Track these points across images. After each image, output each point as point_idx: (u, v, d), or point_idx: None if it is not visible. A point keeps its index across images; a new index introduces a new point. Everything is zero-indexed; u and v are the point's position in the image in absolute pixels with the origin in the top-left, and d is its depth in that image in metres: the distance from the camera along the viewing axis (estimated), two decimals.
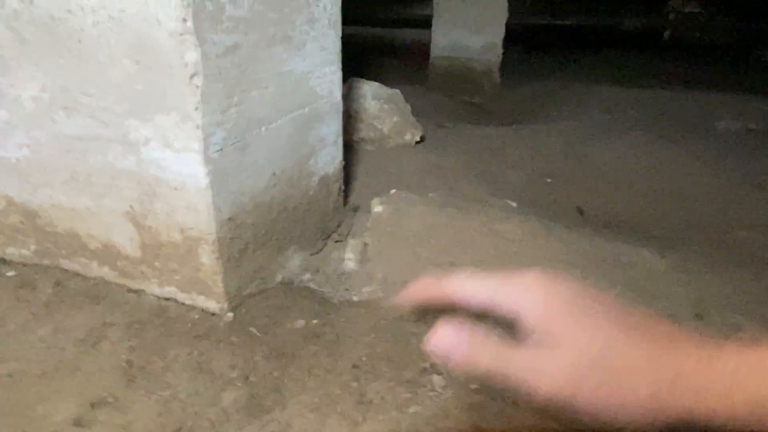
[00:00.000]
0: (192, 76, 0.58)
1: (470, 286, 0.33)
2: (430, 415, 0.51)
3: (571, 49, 3.26)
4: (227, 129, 0.64)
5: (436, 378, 0.56)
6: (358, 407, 0.53)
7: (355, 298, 0.79)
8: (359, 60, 2.83)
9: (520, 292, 0.32)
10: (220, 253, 0.67)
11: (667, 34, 4.03)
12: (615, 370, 0.30)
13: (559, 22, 4.38)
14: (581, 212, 1.23)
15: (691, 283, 0.77)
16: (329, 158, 0.91)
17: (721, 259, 0.91)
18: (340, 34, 0.87)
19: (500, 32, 2.29)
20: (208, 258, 0.67)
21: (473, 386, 0.55)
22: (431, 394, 0.54)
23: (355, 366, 0.60)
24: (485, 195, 1.19)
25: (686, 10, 4.05)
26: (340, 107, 0.92)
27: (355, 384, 0.56)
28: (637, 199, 1.20)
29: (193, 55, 0.58)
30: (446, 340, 0.32)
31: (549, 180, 1.34)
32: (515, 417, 0.51)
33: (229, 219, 0.67)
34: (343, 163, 0.97)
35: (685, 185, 1.19)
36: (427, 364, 0.59)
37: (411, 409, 0.52)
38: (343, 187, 0.99)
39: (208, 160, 0.62)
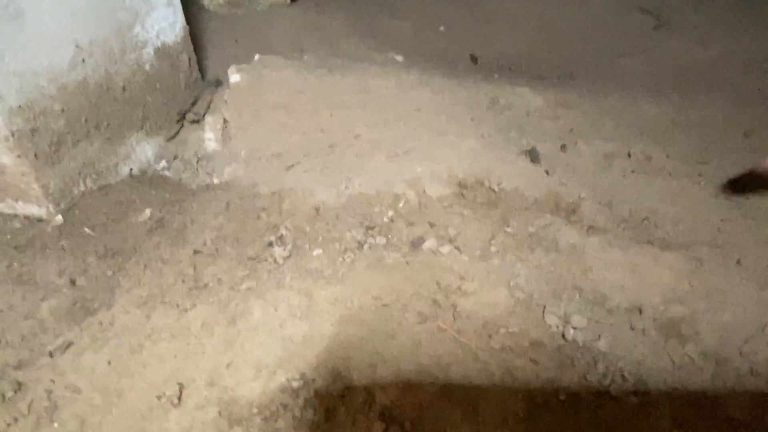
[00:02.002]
0: None
1: None
2: (263, 289, 0.47)
3: None
4: None
5: (278, 250, 0.52)
6: (189, 293, 0.49)
7: (215, 181, 0.72)
8: None
9: None
10: (20, 149, 0.56)
11: None
12: None
13: None
14: (475, 59, 1.16)
15: (563, 117, 0.73)
16: (165, 24, 0.77)
17: (603, 89, 0.88)
18: None
19: None
20: (7, 157, 0.56)
21: (315, 252, 0.51)
22: (270, 267, 0.50)
23: (197, 252, 0.55)
24: (370, 51, 1.09)
25: None
26: None
27: (190, 270, 0.52)
28: (529, 40, 1.13)
29: None
30: None
31: (442, 29, 1.24)
32: (349, 280, 0.48)
33: (20, 107, 0.56)
34: (188, 28, 0.83)
35: (575, 17, 1.12)
36: (273, 237, 0.54)
37: (244, 286, 0.48)
38: (195, 58, 0.86)
39: None
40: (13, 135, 0.55)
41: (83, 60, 0.63)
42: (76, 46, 0.62)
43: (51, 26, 0.58)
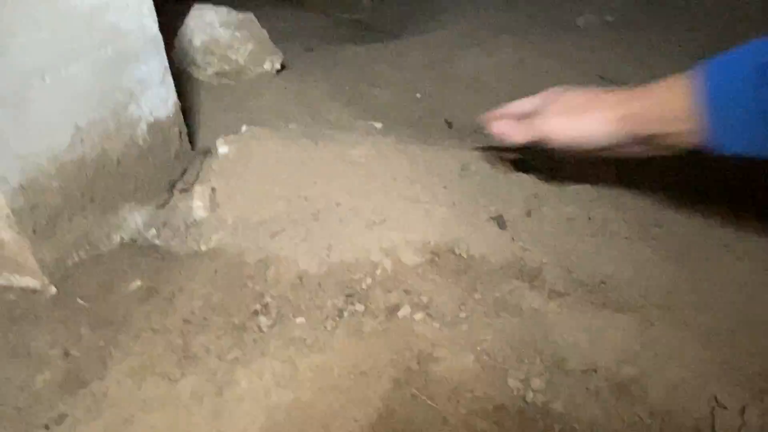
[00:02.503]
0: None
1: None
2: (249, 359, 0.50)
3: None
4: None
5: (263, 319, 0.56)
6: (179, 363, 0.52)
7: (203, 248, 0.76)
8: None
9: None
10: (19, 226, 0.60)
11: None
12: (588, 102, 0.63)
13: None
14: (449, 124, 1.24)
15: (528, 181, 0.80)
16: (157, 101, 0.83)
17: None
18: None
19: None
20: (7, 234, 0.60)
21: (298, 320, 0.55)
22: (255, 335, 0.54)
23: (186, 321, 0.58)
24: (351, 119, 1.16)
25: None
26: (160, 42, 0.82)
27: (180, 340, 0.55)
28: (500, 104, 1.22)
29: None
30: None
31: (418, 95, 1.32)
32: (330, 348, 0.51)
33: (22, 187, 0.60)
34: (179, 104, 0.89)
35: (543, 84, 1.22)
36: (257, 306, 0.58)
37: (231, 355, 0.51)
38: (185, 131, 0.91)
39: None
40: (14, 212, 0.59)
41: (81, 140, 0.68)
42: (76, 128, 0.67)
43: (53, 111, 0.64)
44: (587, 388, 0.45)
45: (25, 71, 0.59)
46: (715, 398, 0.45)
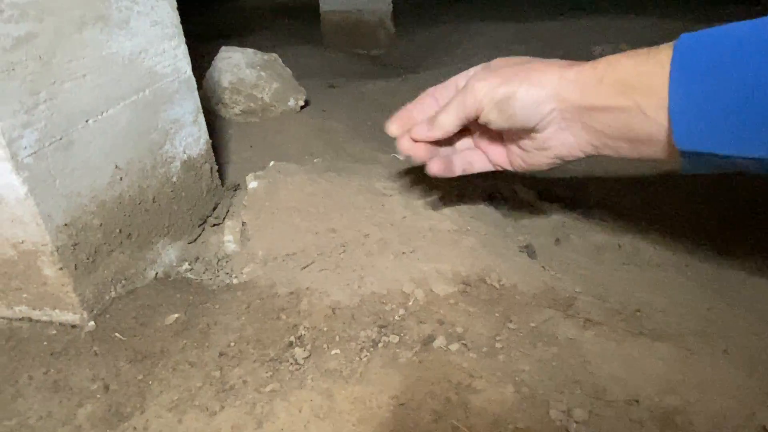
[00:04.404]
0: None
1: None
2: (286, 390, 0.51)
3: None
4: (39, 129, 0.58)
5: (298, 351, 0.56)
6: (217, 396, 0.52)
7: (235, 281, 0.77)
8: (246, 25, 2.70)
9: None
10: (63, 263, 0.62)
11: None
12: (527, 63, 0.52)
13: None
14: None
15: (554, 211, 0.80)
16: (190, 140, 0.86)
17: (586, 180, 0.96)
18: (175, 3, 0.81)
19: None
20: (50, 270, 0.62)
21: (333, 351, 0.55)
22: (291, 368, 0.54)
23: (221, 354, 0.59)
24: (373, 152, 1.18)
25: None
26: (193, 84, 0.86)
27: (217, 373, 0.55)
28: None
29: None
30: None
31: None
32: (366, 379, 0.51)
33: (66, 225, 0.62)
34: (210, 142, 0.92)
35: None
36: (292, 338, 0.59)
37: (268, 388, 0.51)
38: (216, 167, 0.94)
39: (20, 167, 0.56)
40: (57, 250, 0.61)
41: (120, 178, 0.71)
42: (116, 167, 0.70)
43: (95, 152, 0.67)
44: (630, 419, 0.44)
45: (71, 115, 0.63)
46: (764, 428, 0.44)
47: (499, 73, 0.51)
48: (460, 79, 0.60)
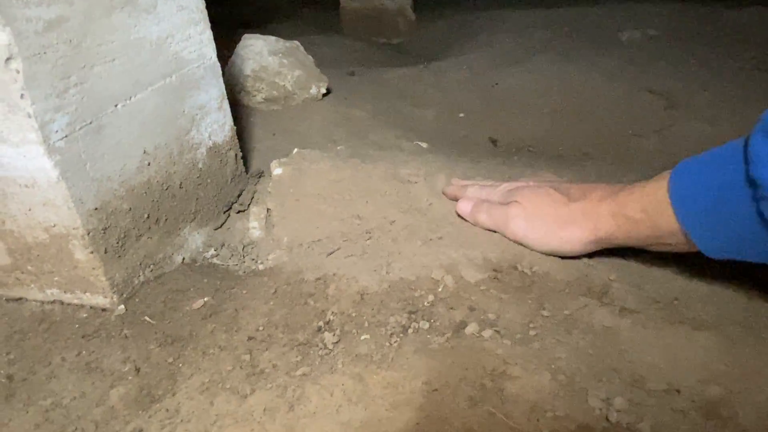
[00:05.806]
0: (7, 60, 0.52)
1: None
2: (317, 374, 0.50)
3: None
4: (70, 113, 0.59)
5: (327, 335, 0.56)
6: (248, 379, 0.52)
7: (261, 267, 0.77)
8: (267, 14, 2.69)
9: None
10: (94, 246, 0.62)
11: None
12: (556, 219, 0.61)
13: None
14: (494, 142, 1.24)
15: None
16: (216, 126, 0.86)
17: (620, 168, 0.94)
18: None
19: None
20: (81, 253, 0.63)
21: (363, 337, 0.55)
22: (321, 352, 0.53)
23: (250, 338, 0.59)
24: (396, 139, 1.17)
25: None
26: (218, 70, 0.86)
27: (247, 357, 0.55)
28: (544, 121, 1.21)
29: (3, 37, 0.51)
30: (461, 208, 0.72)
31: (462, 115, 1.33)
32: (398, 364, 0.51)
33: (96, 209, 0.63)
34: (235, 128, 0.92)
35: (589, 100, 1.21)
36: (320, 323, 0.58)
37: (299, 371, 0.51)
38: (240, 154, 0.94)
39: (52, 150, 0.57)
40: (88, 234, 0.62)
41: (148, 164, 0.71)
42: (144, 152, 0.70)
43: (124, 137, 0.67)
44: (672, 409, 0.43)
45: (100, 99, 0.63)
46: None
47: (535, 227, 0.62)
48: (500, 190, 0.72)
